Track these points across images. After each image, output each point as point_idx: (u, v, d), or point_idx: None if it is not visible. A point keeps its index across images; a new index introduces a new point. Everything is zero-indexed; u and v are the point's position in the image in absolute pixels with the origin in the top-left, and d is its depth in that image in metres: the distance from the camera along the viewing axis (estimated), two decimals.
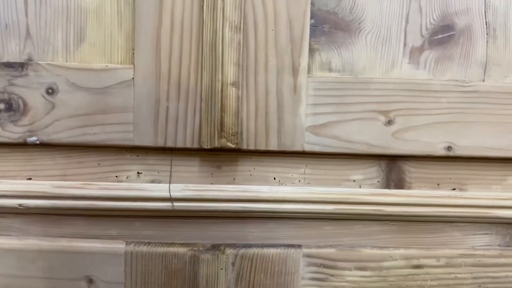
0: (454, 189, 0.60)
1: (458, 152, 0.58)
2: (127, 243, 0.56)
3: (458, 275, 0.59)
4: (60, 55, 0.55)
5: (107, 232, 0.57)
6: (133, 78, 0.54)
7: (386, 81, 0.56)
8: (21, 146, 0.55)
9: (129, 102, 0.55)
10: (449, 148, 0.58)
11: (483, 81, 0.58)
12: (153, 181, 0.57)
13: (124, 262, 0.56)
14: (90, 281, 0.56)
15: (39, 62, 0.54)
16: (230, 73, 0.54)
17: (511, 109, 0.57)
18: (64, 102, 0.54)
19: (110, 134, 0.55)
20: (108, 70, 0.54)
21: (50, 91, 0.54)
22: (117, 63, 0.55)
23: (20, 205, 0.55)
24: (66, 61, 0.55)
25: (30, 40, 0.54)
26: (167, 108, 0.55)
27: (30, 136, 0.54)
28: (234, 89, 0.54)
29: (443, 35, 0.57)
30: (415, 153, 0.58)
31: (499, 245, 0.60)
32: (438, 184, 0.60)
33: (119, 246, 0.56)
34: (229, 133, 0.55)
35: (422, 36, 0.57)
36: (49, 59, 0.55)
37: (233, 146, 0.55)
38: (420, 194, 0.58)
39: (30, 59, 0.54)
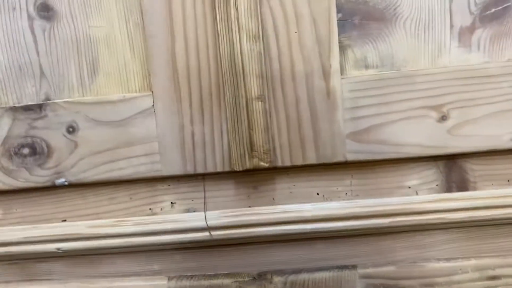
0: None
1: None
2: (169, 279, 0.53)
3: None
4: (76, 90, 0.52)
5: (148, 267, 0.55)
6: (153, 106, 0.51)
7: (434, 72, 0.49)
8: (51, 188, 0.54)
9: (152, 131, 0.51)
10: None
11: None
12: (188, 210, 0.54)
13: None
14: None
15: (56, 101, 0.51)
16: (254, 86, 0.49)
17: None
18: (86, 139, 0.52)
19: (138, 167, 0.52)
20: (126, 100, 0.51)
21: (70, 129, 0.52)
22: (135, 92, 0.52)
23: (58, 249, 0.54)
24: (83, 96, 0.52)
25: (45, 79, 0.52)
26: (192, 132, 0.51)
27: (58, 178, 0.53)
28: (260, 103, 0.49)
29: (497, 8, 0.48)
30: (477, 149, 0.50)
31: None
32: (509, 181, 0.51)
33: (161, 282, 0.53)
34: (260, 152, 0.50)
35: (471, 13, 0.49)
36: (65, 96, 0.52)
37: (266, 165, 0.50)
38: (488, 195, 0.51)
39: (47, 99, 0.52)
